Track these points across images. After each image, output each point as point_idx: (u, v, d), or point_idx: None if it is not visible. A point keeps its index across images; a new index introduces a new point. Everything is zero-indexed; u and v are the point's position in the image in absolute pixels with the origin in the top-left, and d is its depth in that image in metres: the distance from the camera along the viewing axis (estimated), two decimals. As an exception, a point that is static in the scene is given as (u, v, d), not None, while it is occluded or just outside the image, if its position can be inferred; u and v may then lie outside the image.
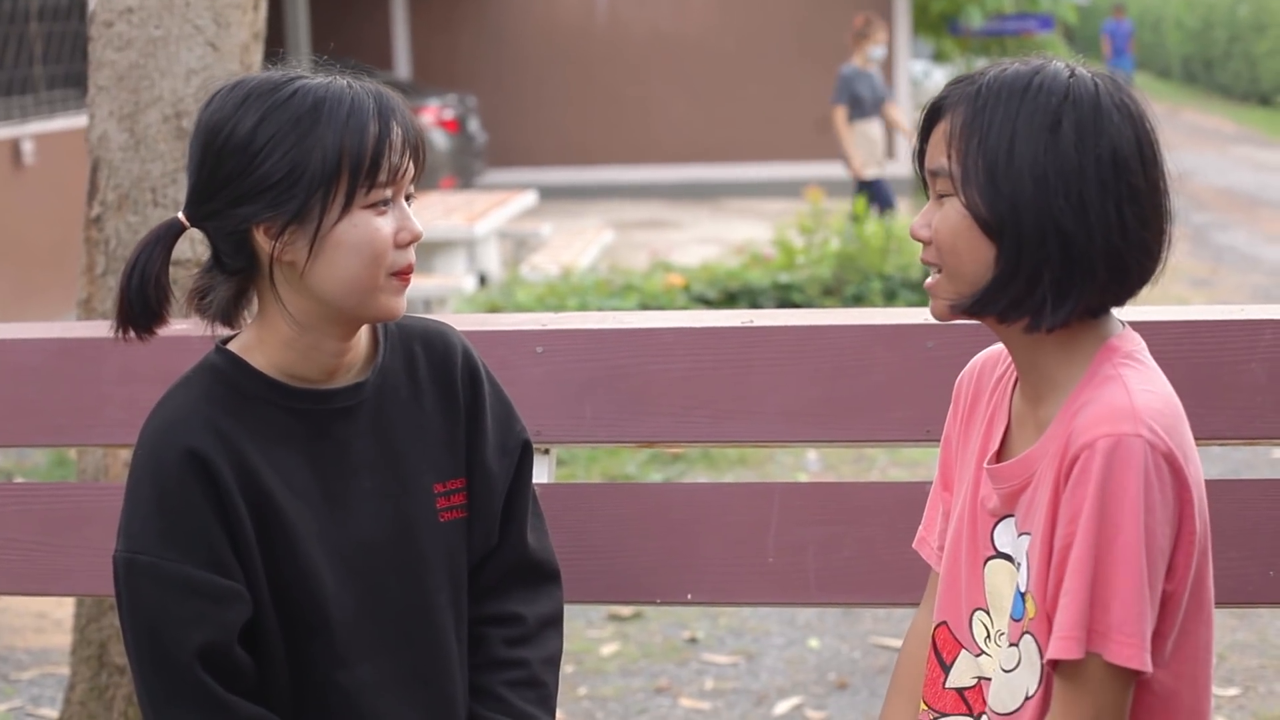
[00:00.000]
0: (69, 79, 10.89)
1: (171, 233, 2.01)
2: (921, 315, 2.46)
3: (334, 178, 1.93)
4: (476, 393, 2.17)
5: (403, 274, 1.99)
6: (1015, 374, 1.99)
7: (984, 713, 1.97)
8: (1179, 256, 12.46)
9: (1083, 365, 1.88)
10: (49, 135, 10.44)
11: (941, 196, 1.88)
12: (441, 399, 2.14)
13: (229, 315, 2.04)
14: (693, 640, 4.93)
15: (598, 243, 11.50)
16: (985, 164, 1.83)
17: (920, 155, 1.94)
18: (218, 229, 1.98)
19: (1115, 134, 1.82)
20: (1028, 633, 1.88)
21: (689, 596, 2.49)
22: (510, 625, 2.17)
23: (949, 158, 1.86)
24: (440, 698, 2.11)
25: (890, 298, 8.52)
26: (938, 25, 18.58)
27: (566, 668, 4.56)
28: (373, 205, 1.96)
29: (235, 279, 2.01)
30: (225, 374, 2.02)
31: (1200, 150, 20.69)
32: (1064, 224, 1.80)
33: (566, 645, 2.25)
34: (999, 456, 1.98)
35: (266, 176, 1.92)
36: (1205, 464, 1.89)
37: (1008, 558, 1.95)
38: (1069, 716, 1.80)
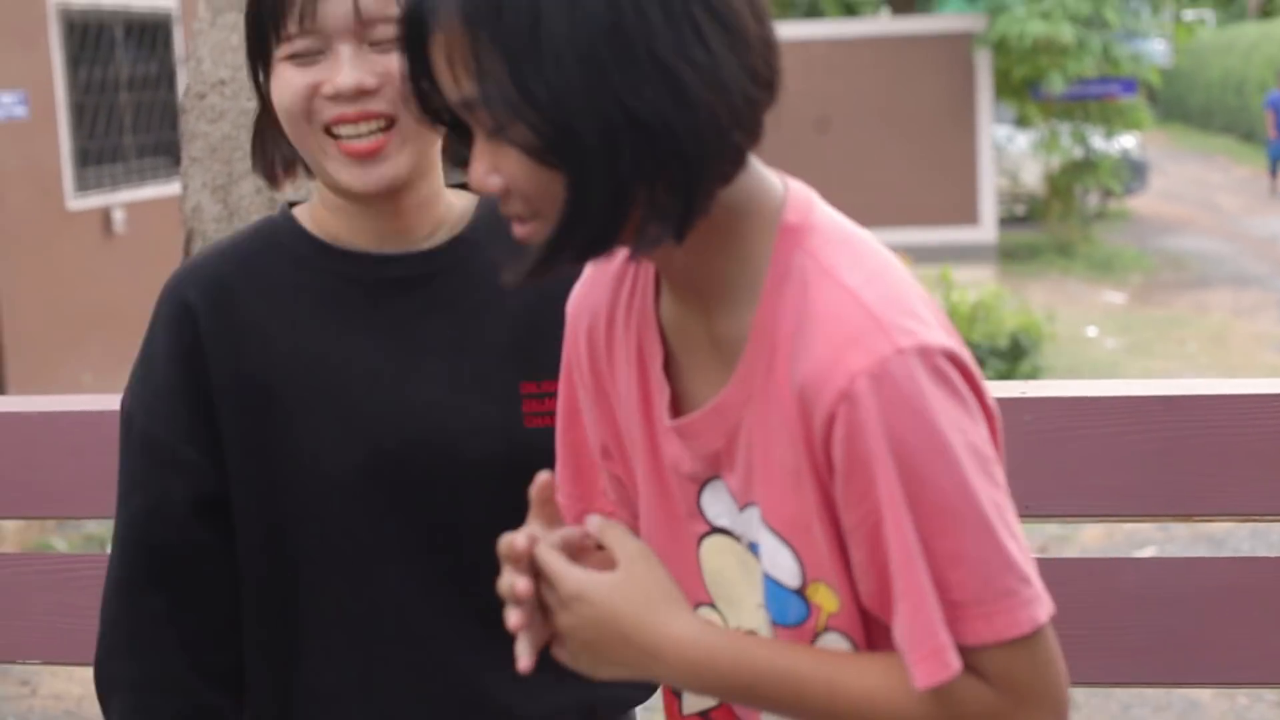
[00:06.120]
0: (158, 148, 11.05)
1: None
2: (1018, 389, 2.42)
3: (252, 32, 1.75)
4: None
5: (333, 129, 1.72)
6: (650, 282, 1.51)
7: None
8: (1267, 324, 12.19)
9: (760, 256, 1.40)
10: (138, 204, 10.59)
11: (492, 133, 1.34)
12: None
13: (273, 171, 1.89)
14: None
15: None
16: (509, 72, 1.29)
17: (416, 87, 1.39)
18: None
19: None
20: (830, 630, 1.42)
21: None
22: None
23: (471, 79, 1.32)
24: (485, 604, 1.65)
25: (979, 366, 8.47)
26: (1020, 90, 18.52)
27: None
28: (291, 58, 1.72)
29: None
30: (271, 232, 1.84)
31: (1288, 215, 20.49)
32: (637, 103, 1.28)
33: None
34: (675, 404, 1.49)
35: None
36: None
37: (727, 532, 1.48)
38: (1018, 705, 1.34)
